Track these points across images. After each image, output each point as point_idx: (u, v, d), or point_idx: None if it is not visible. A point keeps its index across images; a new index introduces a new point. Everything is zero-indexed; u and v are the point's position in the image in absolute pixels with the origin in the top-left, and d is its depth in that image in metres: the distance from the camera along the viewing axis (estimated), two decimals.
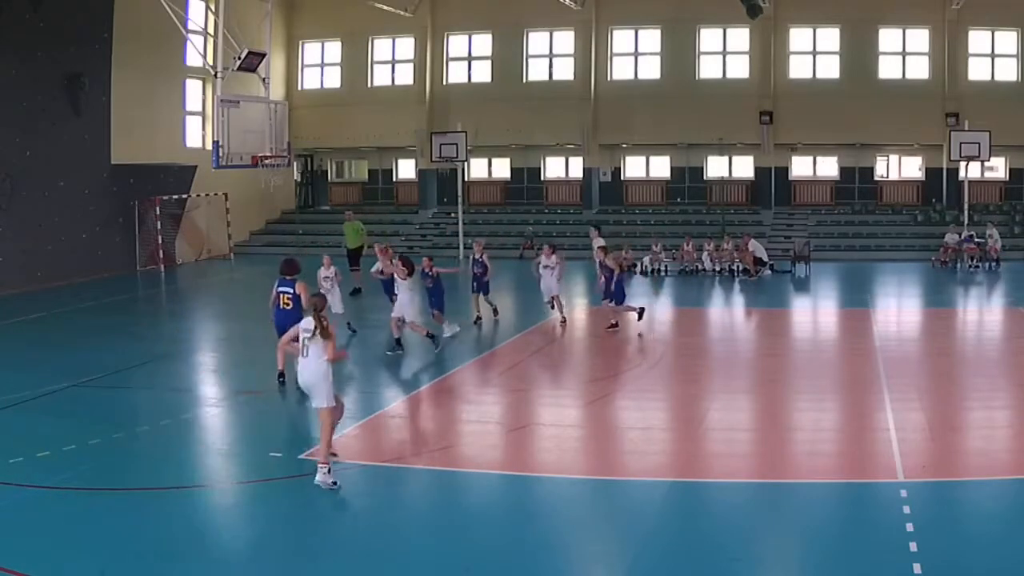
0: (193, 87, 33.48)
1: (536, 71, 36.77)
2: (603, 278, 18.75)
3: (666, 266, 28.87)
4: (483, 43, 37.01)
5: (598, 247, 20.08)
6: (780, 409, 13.49)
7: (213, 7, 28.76)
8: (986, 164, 32.31)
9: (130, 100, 29.23)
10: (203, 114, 33.64)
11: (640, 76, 35.83)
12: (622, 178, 37.57)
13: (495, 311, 20.07)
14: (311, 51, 38.63)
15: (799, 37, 34.57)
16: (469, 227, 33.73)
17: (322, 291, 14.55)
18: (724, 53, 35.08)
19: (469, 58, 37.41)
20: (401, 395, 14.66)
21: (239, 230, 35.62)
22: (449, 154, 32.63)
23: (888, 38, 33.80)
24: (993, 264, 28.42)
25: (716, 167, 36.08)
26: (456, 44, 37.43)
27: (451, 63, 37.39)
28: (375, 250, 17.70)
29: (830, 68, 34.21)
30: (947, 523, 8.88)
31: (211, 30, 29.25)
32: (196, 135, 33.82)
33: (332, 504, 9.80)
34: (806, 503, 9.61)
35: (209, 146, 28.22)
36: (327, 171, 40.77)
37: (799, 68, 34.53)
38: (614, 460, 11.40)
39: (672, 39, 35.09)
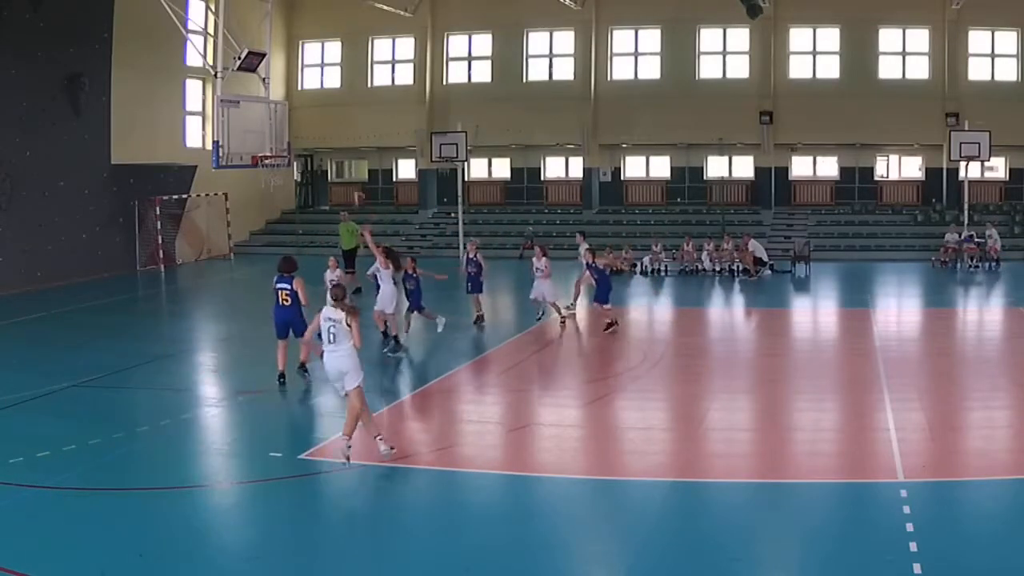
0: (193, 87, 33.49)
1: (536, 71, 36.78)
2: (594, 279, 18.93)
3: (666, 266, 28.87)
4: (483, 43, 37.02)
5: (585, 249, 20.23)
6: (780, 409, 13.49)
7: (213, 7, 28.76)
8: (986, 164, 32.25)
9: (130, 100, 29.24)
10: (203, 114, 33.65)
11: (640, 76, 35.83)
12: (622, 178, 37.55)
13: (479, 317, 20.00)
14: (311, 51, 38.64)
15: (799, 37, 34.55)
16: (469, 227, 33.70)
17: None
18: (724, 53, 35.07)
19: (469, 58, 37.42)
20: (401, 395, 14.67)
21: (239, 230, 35.63)
22: (449, 154, 32.60)
23: (888, 38, 33.78)
24: (993, 264, 28.40)
25: (716, 167, 36.04)
26: (456, 44, 37.43)
27: (451, 63, 37.40)
28: (366, 237, 17.51)
29: (830, 68, 34.19)
30: (947, 523, 8.87)
31: (211, 30, 29.26)
32: (196, 135, 33.83)
33: (332, 504, 9.82)
34: (806, 503, 9.61)
35: (209, 146, 28.23)
36: (327, 171, 40.77)
37: (799, 68, 34.52)
38: (614, 460, 11.39)
39: (672, 39, 35.08)
